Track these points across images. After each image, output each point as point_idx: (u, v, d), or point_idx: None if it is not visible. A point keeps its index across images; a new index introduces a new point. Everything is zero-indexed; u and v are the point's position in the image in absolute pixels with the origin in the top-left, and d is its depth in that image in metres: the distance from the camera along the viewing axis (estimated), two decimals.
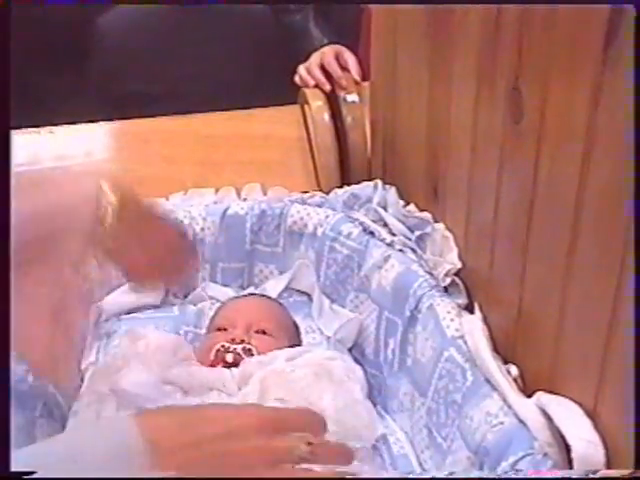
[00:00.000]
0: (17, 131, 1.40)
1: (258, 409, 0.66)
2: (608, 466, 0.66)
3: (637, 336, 0.59)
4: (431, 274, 0.95)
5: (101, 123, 1.41)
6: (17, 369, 0.86)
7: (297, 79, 1.40)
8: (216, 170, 1.26)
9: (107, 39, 1.71)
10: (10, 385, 0.57)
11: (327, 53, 1.39)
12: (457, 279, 0.95)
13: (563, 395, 0.72)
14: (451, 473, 0.77)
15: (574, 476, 0.64)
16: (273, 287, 1.10)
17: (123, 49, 1.69)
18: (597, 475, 0.62)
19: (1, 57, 0.63)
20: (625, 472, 0.62)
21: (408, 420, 0.94)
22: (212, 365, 0.89)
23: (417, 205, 1.06)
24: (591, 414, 0.68)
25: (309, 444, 0.56)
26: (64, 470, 0.50)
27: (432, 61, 0.97)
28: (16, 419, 0.80)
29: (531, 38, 0.71)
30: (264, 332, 0.94)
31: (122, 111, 1.45)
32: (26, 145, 1.32)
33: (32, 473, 0.49)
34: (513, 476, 0.69)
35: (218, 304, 1.07)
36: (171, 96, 1.62)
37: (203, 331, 1.03)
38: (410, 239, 1.00)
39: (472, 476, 0.75)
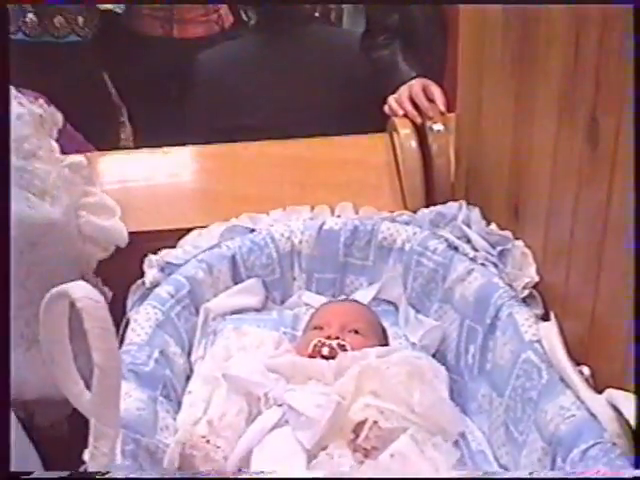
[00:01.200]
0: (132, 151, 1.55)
1: None
2: None
3: None
4: (511, 286, 1.04)
5: (203, 146, 1.54)
6: (141, 354, 0.99)
7: (386, 109, 1.51)
8: (312, 190, 1.37)
9: (207, 74, 1.85)
10: (10, 385, 0.65)
11: (415, 86, 1.49)
12: (534, 291, 1.03)
13: (632, 392, 0.80)
14: (530, 473, 0.86)
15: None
16: (363, 296, 1.20)
17: (222, 84, 1.82)
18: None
19: (1, 57, 0.65)
20: None
21: (486, 421, 1.02)
22: (310, 357, 1.00)
23: (498, 224, 1.15)
24: None
25: None
26: None
27: (516, 93, 1.06)
28: (141, 396, 0.92)
29: (608, 72, 0.80)
30: (356, 332, 1.04)
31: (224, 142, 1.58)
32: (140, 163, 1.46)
33: (32, 473, 0.58)
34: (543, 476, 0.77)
35: (312, 310, 1.18)
36: (268, 127, 1.74)
37: (299, 333, 1.14)
38: (492, 254, 1.09)
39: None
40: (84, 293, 0.73)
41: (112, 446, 0.76)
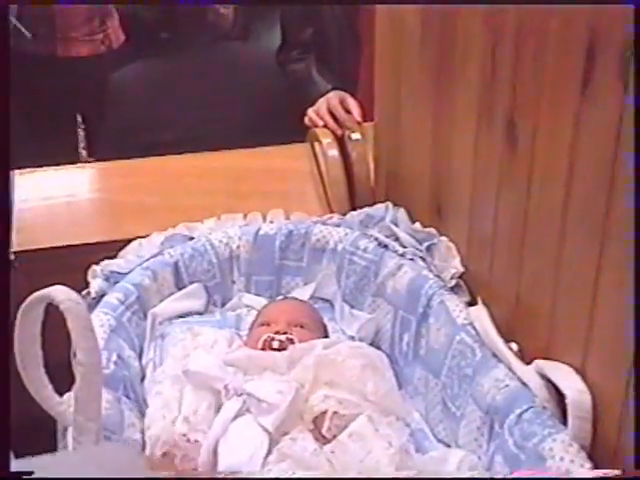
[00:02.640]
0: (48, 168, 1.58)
1: None
2: (594, 410, 0.85)
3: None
4: (439, 277, 1.14)
5: (133, 160, 1.59)
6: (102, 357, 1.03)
7: (307, 121, 1.60)
8: (242, 199, 1.44)
9: (121, 93, 1.89)
10: (10, 385, 0.67)
11: (332, 98, 1.59)
12: (461, 281, 1.14)
13: (556, 360, 0.91)
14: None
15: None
16: (300, 295, 1.27)
17: (138, 102, 1.86)
18: (595, 475, 0.80)
19: (1, 57, 0.66)
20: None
21: (422, 402, 1.12)
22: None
23: (422, 223, 1.25)
24: (580, 371, 0.87)
25: None
26: None
27: (435, 99, 1.17)
28: (107, 397, 0.96)
29: (523, 76, 0.91)
30: (302, 326, 1.12)
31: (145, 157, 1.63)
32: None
33: (32, 473, 0.62)
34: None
35: (253, 311, 1.25)
36: (189, 141, 1.80)
37: (242, 332, 1.21)
38: (419, 250, 1.19)
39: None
40: (66, 296, 0.78)
41: (96, 439, 0.81)
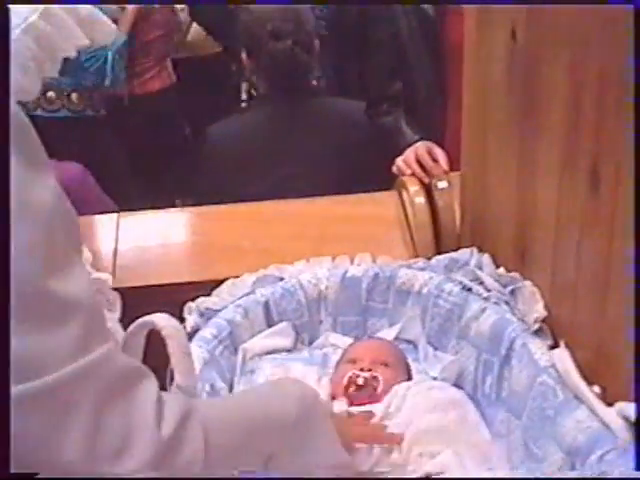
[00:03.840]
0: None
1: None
2: None
3: None
4: (523, 321, 1.16)
5: (226, 205, 1.67)
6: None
7: (394, 169, 1.65)
8: (330, 244, 1.50)
9: (219, 146, 1.97)
10: (9, 385, 0.64)
11: (420, 148, 1.64)
12: (544, 325, 1.16)
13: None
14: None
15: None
16: (385, 336, 1.31)
17: (234, 155, 1.94)
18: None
19: (1, 57, 0.65)
20: None
21: (504, 444, 1.13)
22: (346, 388, 1.12)
23: (506, 269, 1.28)
24: None
25: None
26: None
27: (519, 148, 1.20)
28: None
29: (606, 124, 0.94)
30: (386, 365, 1.16)
31: None
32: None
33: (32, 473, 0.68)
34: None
35: (339, 349, 1.29)
36: (280, 193, 1.86)
37: (329, 370, 1.25)
38: (503, 294, 1.21)
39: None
40: (167, 322, 0.84)
41: None
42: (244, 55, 1.97)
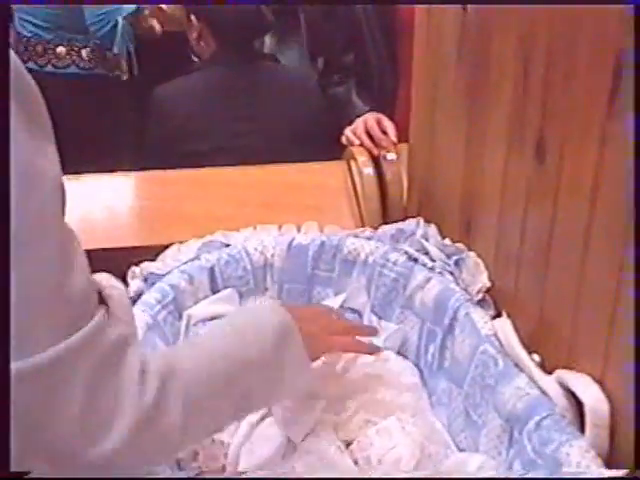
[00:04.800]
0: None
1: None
2: (612, 419, 0.87)
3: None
4: (466, 291, 1.17)
5: (173, 170, 1.65)
6: None
7: (343, 139, 1.66)
8: (277, 212, 1.49)
9: (162, 106, 1.96)
10: (9, 385, 0.65)
11: (369, 119, 1.64)
12: (487, 296, 1.17)
13: (577, 371, 0.94)
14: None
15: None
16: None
17: (177, 115, 1.94)
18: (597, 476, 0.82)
19: (1, 57, 0.66)
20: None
21: (445, 412, 1.14)
22: None
23: (452, 239, 1.29)
24: (599, 381, 0.90)
25: None
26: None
27: (468, 119, 1.21)
28: None
29: (553, 95, 0.95)
30: None
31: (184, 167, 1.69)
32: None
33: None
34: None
35: None
36: (225, 152, 1.87)
37: None
38: (448, 264, 1.22)
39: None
40: (107, 282, 0.82)
41: None
42: (193, 17, 1.95)
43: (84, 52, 2.63)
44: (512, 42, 1.05)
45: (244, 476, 0.98)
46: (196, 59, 2.08)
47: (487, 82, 1.14)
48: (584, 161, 0.89)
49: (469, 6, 1.18)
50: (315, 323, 0.99)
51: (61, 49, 2.59)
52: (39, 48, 2.59)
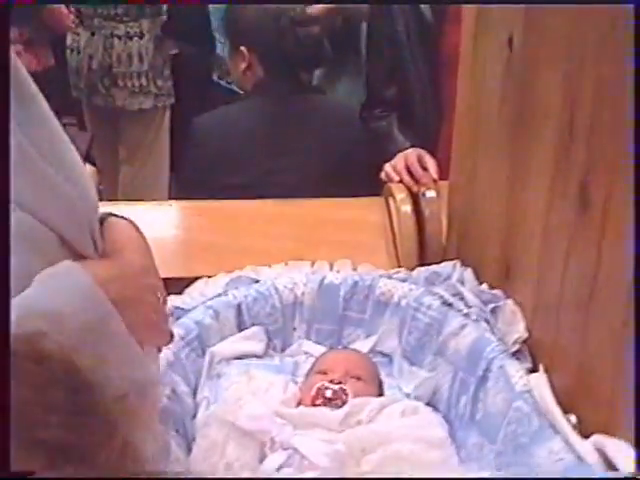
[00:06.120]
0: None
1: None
2: None
3: None
4: (502, 341, 1.11)
5: (208, 201, 1.62)
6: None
7: (383, 175, 1.61)
8: (311, 247, 1.45)
9: (202, 137, 1.93)
10: (9, 385, 0.62)
11: (410, 155, 1.59)
12: (524, 347, 1.11)
13: (616, 436, 0.87)
14: None
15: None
16: (361, 347, 1.26)
17: (217, 146, 1.90)
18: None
19: (1, 58, 0.64)
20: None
21: (476, 468, 1.08)
22: (313, 400, 1.06)
23: (489, 285, 1.23)
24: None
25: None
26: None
27: (510, 160, 1.16)
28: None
29: (599, 140, 0.89)
30: (358, 378, 1.11)
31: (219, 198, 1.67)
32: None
33: (32, 473, 0.61)
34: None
35: (311, 358, 1.24)
36: (263, 185, 1.83)
37: (299, 379, 1.20)
38: (484, 311, 1.17)
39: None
40: None
41: None
42: (244, 49, 1.92)
43: None
44: (558, 81, 1.00)
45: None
46: (238, 90, 2.06)
47: (531, 122, 1.08)
48: (629, 207, 0.83)
49: (515, 40, 1.13)
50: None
51: None
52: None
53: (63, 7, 2.88)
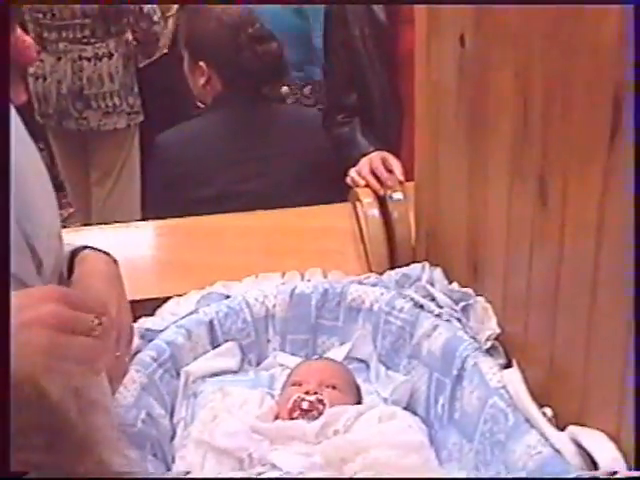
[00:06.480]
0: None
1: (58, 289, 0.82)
2: None
3: None
4: (474, 339, 1.11)
5: (172, 220, 1.61)
6: (129, 415, 1.03)
7: (349, 180, 1.61)
8: (280, 258, 1.44)
9: (168, 153, 1.93)
10: (11, 385, 0.65)
11: (374, 158, 1.60)
12: (496, 343, 1.11)
13: (590, 427, 0.87)
14: None
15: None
16: (335, 355, 1.26)
17: (182, 161, 1.90)
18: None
19: (1, 60, 0.67)
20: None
21: (456, 469, 1.08)
22: (290, 412, 1.06)
23: (459, 283, 1.23)
24: (614, 438, 0.83)
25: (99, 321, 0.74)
26: None
27: (470, 158, 1.16)
28: (131, 454, 0.96)
29: (553, 132, 0.90)
30: (334, 387, 1.11)
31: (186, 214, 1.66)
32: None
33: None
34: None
35: (287, 370, 1.23)
36: (229, 197, 1.83)
37: (276, 392, 1.19)
38: (455, 310, 1.17)
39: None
40: None
41: None
42: (202, 63, 1.92)
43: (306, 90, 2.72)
44: (509, 76, 1.00)
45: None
46: (199, 104, 2.05)
47: (487, 119, 1.09)
48: (587, 198, 0.84)
49: (466, 38, 1.14)
50: None
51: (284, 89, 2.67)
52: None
53: (24, 36, 2.82)
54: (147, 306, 1.29)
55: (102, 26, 2.86)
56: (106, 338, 0.77)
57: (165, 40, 3.06)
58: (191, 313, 1.24)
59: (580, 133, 0.85)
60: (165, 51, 3.02)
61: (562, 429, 0.91)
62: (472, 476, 1.03)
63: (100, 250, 0.94)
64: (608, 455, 0.82)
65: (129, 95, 2.96)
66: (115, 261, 1.02)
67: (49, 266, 0.93)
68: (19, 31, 0.78)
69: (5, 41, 0.67)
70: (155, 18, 2.94)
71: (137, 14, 2.88)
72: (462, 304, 1.17)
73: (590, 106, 0.82)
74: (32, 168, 0.90)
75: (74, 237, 1.49)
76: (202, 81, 1.94)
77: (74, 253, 1.04)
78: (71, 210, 3.28)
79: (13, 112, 0.87)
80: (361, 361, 1.27)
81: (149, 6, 2.90)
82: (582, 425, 0.89)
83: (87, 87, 2.90)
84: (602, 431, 0.85)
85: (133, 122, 3.00)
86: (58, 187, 2.97)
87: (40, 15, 2.80)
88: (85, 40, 2.85)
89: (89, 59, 2.87)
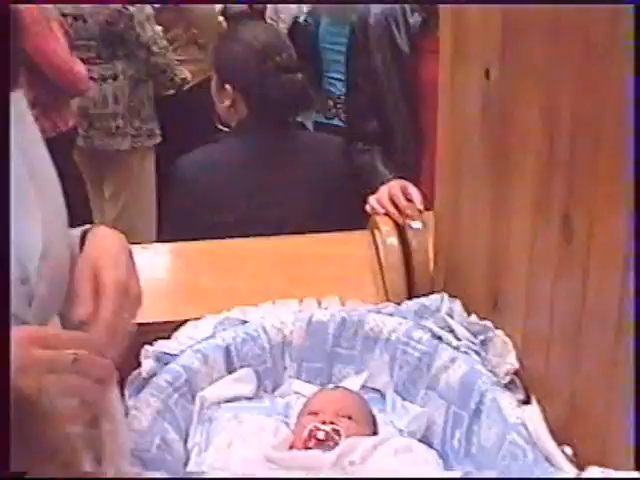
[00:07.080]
0: None
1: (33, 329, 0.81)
2: None
3: None
4: (493, 373, 1.11)
5: (192, 242, 1.61)
6: (143, 441, 1.03)
7: (368, 208, 1.61)
8: (298, 284, 1.44)
9: (188, 177, 1.93)
10: (10, 384, 0.65)
11: (394, 186, 1.59)
12: (515, 377, 1.10)
13: (611, 468, 0.86)
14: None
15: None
16: (351, 385, 1.25)
17: (202, 185, 1.90)
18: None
19: (2, 60, 0.66)
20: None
21: None
22: (305, 442, 1.05)
23: (478, 316, 1.22)
24: None
25: (74, 357, 0.73)
26: None
27: (493, 190, 1.16)
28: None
29: (579, 169, 0.89)
30: (350, 417, 1.10)
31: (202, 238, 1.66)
32: None
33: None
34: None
35: (302, 398, 1.22)
36: (249, 223, 1.83)
37: (291, 420, 1.19)
38: (474, 343, 1.16)
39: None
40: None
41: None
42: (228, 86, 1.92)
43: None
44: (536, 113, 1.00)
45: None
46: (222, 127, 2.05)
47: (511, 153, 1.09)
48: (612, 236, 0.83)
49: (492, 72, 1.14)
50: None
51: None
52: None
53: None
54: (163, 329, 1.29)
55: (107, 48, 2.89)
56: (87, 368, 0.77)
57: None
58: (208, 338, 1.24)
59: (606, 172, 0.84)
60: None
61: (582, 469, 0.90)
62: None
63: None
64: None
65: (135, 118, 2.97)
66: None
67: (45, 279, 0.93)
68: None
69: (5, 41, 0.66)
70: (154, 49, 2.94)
71: (133, 43, 2.89)
72: (481, 337, 1.16)
73: (618, 144, 0.82)
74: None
75: None
76: (227, 103, 1.94)
77: (85, 231, 1.05)
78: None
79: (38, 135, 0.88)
80: (377, 391, 1.26)
81: (148, 35, 2.91)
82: (603, 466, 0.88)
83: (92, 107, 2.92)
84: (623, 472, 0.84)
85: (139, 145, 3.01)
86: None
87: None
88: (91, 61, 2.87)
89: (94, 79, 2.89)
